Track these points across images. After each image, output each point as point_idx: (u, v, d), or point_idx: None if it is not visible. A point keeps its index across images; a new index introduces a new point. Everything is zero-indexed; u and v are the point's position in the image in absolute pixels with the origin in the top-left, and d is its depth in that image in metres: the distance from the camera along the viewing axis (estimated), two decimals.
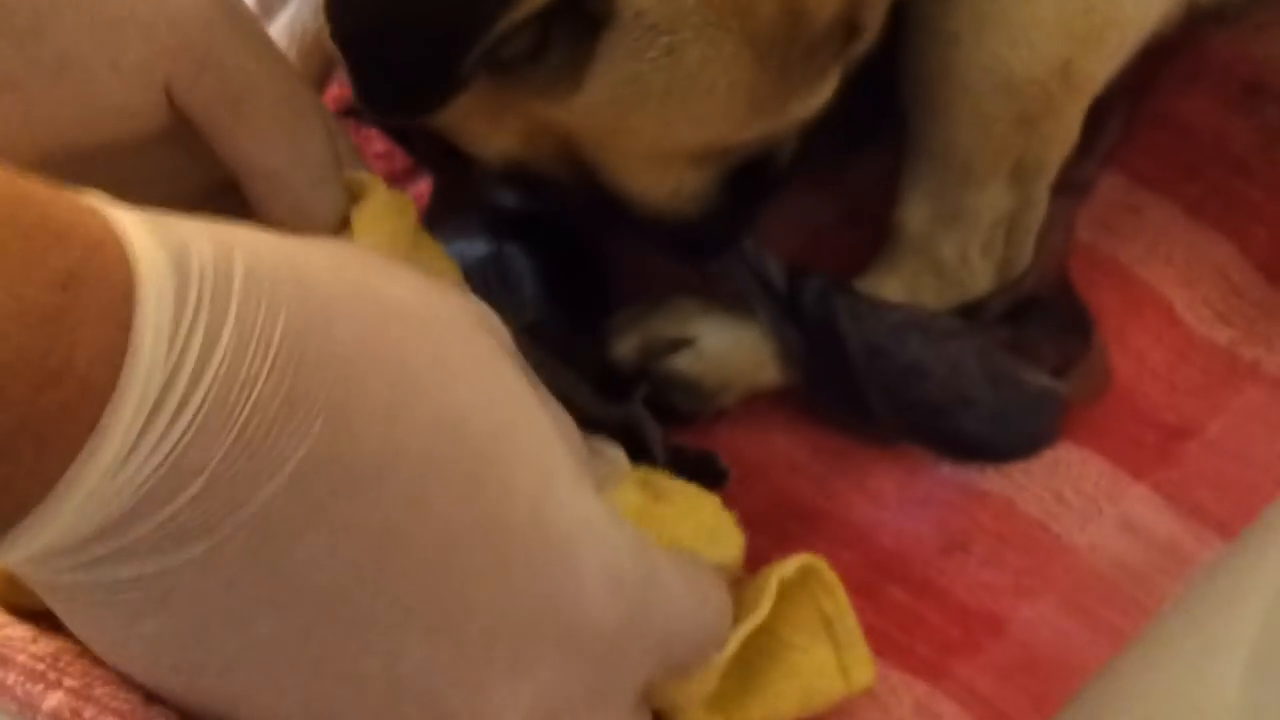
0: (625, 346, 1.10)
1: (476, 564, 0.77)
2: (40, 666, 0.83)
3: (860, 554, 1.06)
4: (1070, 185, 1.15)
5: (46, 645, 0.84)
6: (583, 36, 0.91)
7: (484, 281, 1.08)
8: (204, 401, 0.69)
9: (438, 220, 1.16)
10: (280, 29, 1.13)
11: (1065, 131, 1.11)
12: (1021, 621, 1.04)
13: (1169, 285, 1.17)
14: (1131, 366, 1.14)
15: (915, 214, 1.12)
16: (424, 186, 1.21)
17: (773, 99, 0.96)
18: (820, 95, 0.99)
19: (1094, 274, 1.17)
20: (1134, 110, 1.22)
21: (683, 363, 1.10)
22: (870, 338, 1.08)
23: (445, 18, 0.85)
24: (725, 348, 1.10)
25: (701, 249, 1.09)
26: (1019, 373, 1.08)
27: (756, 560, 1.05)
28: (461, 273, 1.06)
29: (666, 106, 0.93)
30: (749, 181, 1.03)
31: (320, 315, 0.73)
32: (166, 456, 0.68)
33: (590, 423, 1.03)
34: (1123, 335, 1.15)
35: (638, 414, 1.05)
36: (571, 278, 1.11)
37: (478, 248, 1.11)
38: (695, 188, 1.01)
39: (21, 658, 0.83)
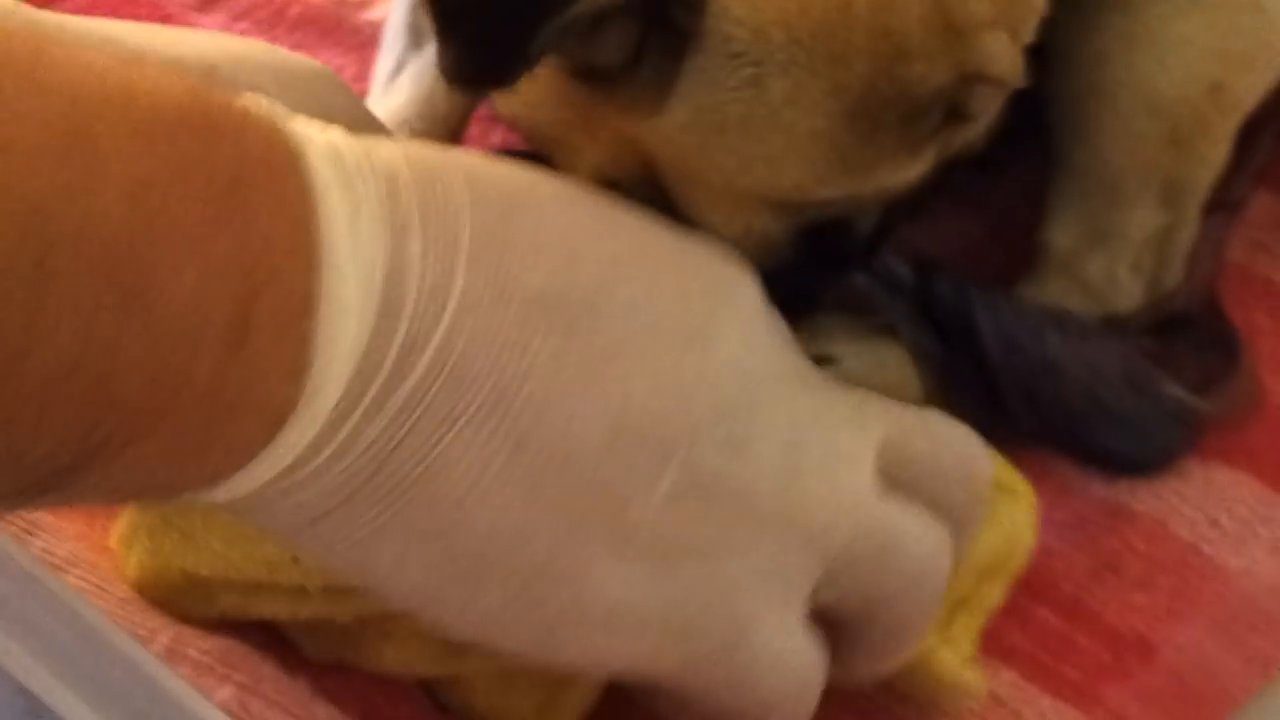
0: None
1: None
2: (209, 660, 0.85)
3: None
4: (1221, 204, 1.13)
5: (217, 642, 0.86)
6: (673, 54, 0.90)
7: None
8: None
9: None
10: (431, 54, 1.14)
11: (1216, 151, 1.09)
12: (1172, 647, 1.03)
13: None
14: None
15: (1063, 233, 1.11)
16: None
17: (857, 159, 0.92)
18: (911, 170, 0.95)
19: (1246, 294, 1.15)
20: None
21: None
22: (1006, 331, 1.06)
23: (528, 8, 0.84)
24: (868, 367, 1.09)
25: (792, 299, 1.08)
26: (1158, 383, 1.06)
27: None
28: None
29: (744, 141, 0.91)
30: (825, 244, 0.99)
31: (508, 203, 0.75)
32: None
33: None
34: (1276, 357, 1.13)
35: None
36: None
37: None
38: (767, 235, 0.98)
39: (192, 652, 0.86)
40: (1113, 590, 1.05)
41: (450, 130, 1.16)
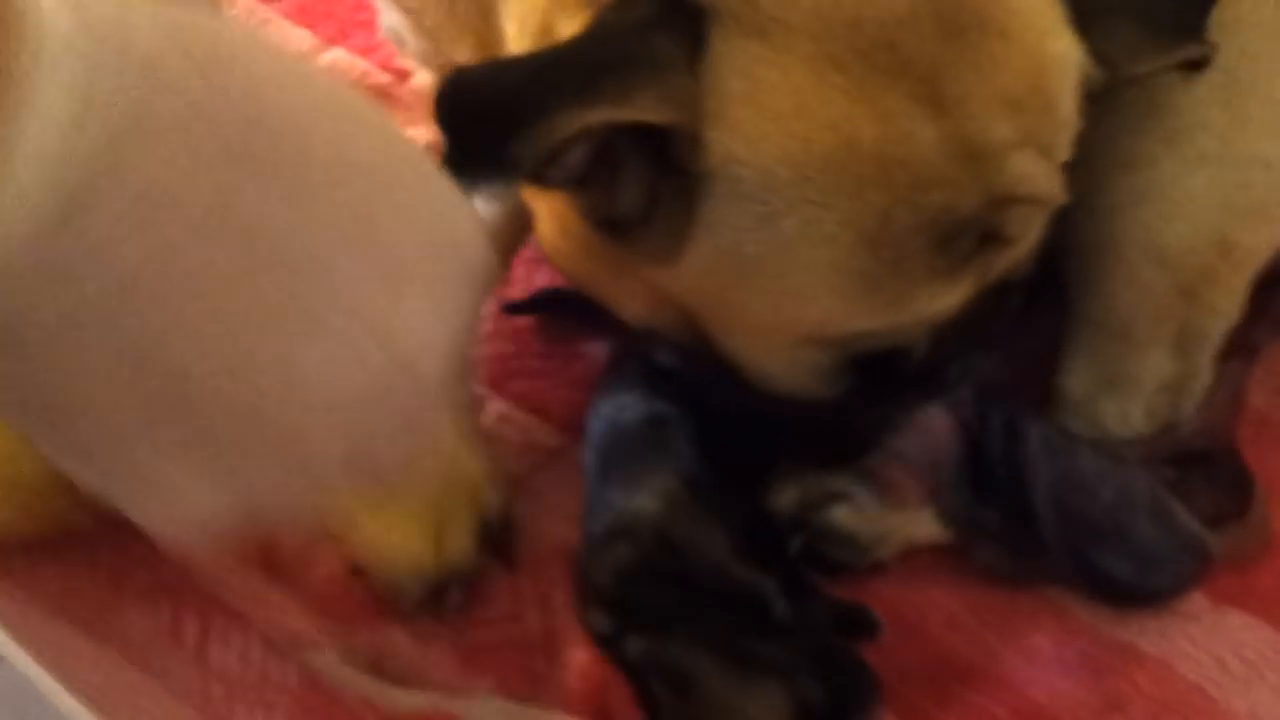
0: (785, 498, 1.13)
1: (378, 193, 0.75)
2: None
3: (1015, 711, 1.06)
4: (1240, 349, 1.15)
5: None
6: (685, 201, 0.92)
7: (644, 433, 1.13)
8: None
9: (608, 377, 1.21)
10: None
11: (1228, 302, 1.11)
12: None
13: None
14: None
15: (1077, 380, 1.13)
16: (599, 346, 1.27)
17: (888, 288, 0.93)
18: (950, 296, 0.95)
19: (1265, 439, 1.16)
20: None
21: (839, 516, 1.12)
22: (1051, 445, 1.08)
23: (513, 110, 0.87)
24: (883, 504, 1.12)
25: (836, 448, 1.09)
26: (1176, 514, 1.08)
27: (912, 713, 1.07)
28: (618, 430, 1.14)
29: (764, 279, 0.93)
30: (878, 377, 1.00)
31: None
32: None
33: (726, 585, 1.08)
34: None
35: (762, 583, 1.07)
36: (728, 432, 1.15)
37: (636, 405, 1.15)
38: (815, 366, 0.99)
39: None
40: None
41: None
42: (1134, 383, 1.10)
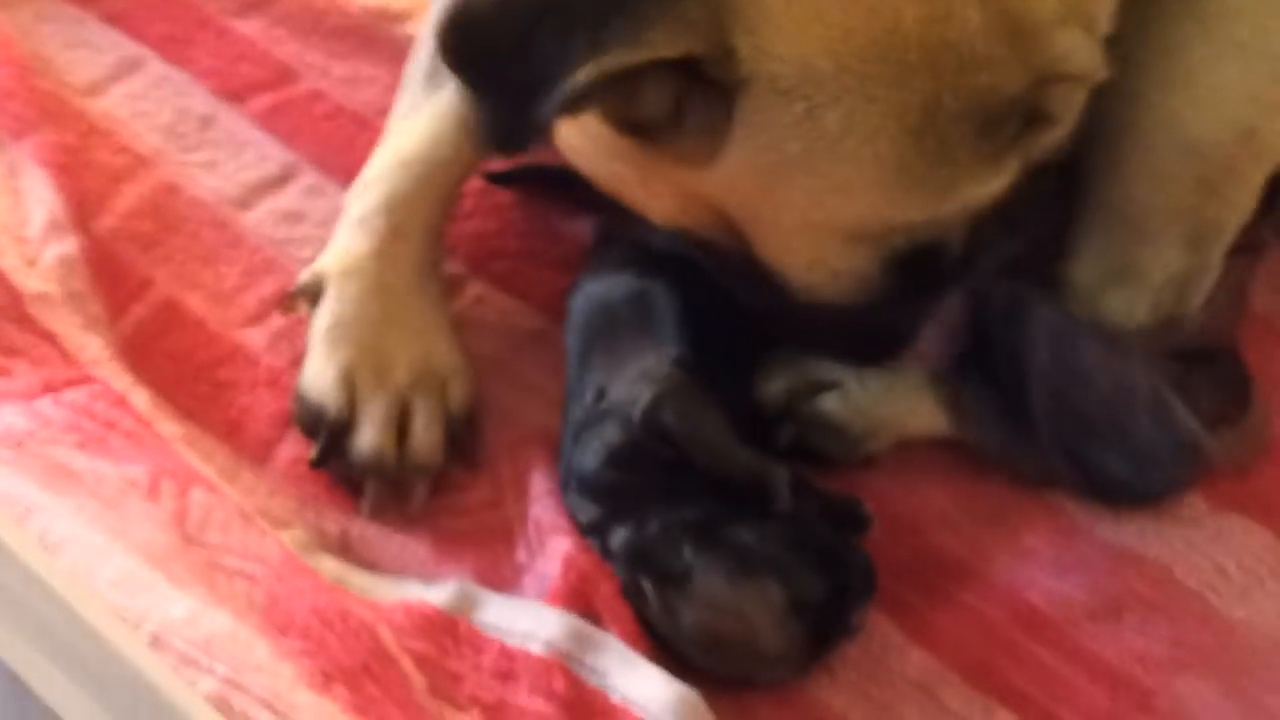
0: (774, 387, 1.09)
1: None
2: (194, 652, 0.85)
3: (1009, 613, 1.03)
4: (1244, 248, 1.12)
5: (200, 629, 0.85)
6: (718, 103, 0.89)
7: (631, 312, 1.09)
8: None
9: (593, 258, 1.17)
10: (445, 100, 1.14)
11: (1245, 197, 1.08)
12: (1172, 696, 1.01)
13: None
14: None
15: (1085, 268, 1.09)
16: (582, 226, 1.22)
17: (932, 178, 0.90)
18: (995, 183, 0.93)
19: (1266, 343, 1.14)
20: None
21: (829, 406, 1.08)
22: (1055, 330, 1.05)
23: (534, 63, 0.85)
24: (874, 392, 1.08)
25: (872, 348, 1.06)
26: (1175, 411, 1.05)
27: (902, 611, 1.05)
28: (604, 309, 1.10)
29: (808, 177, 0.90)
30: (918, 272, 0.97)
31: None
32: None
33: (726, 469, 1.04)
34: None
35: (767, 466, 1.03)
36: (717, 318, 1.11)
37: (624, 283, 1.11)
38: (854, 270, 0.96)
39: (177, 642, 0.85)
40: (1113, 634, 1.03)
41: (454, 177, 1.15)
42: (1142, 274, 1.07)
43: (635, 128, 0.91)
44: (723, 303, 1.07)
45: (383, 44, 1.32)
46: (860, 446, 1.09)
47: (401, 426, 1.09)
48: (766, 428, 1.08)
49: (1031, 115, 0.90)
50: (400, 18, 1.33)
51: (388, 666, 0.93)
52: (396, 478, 1.08)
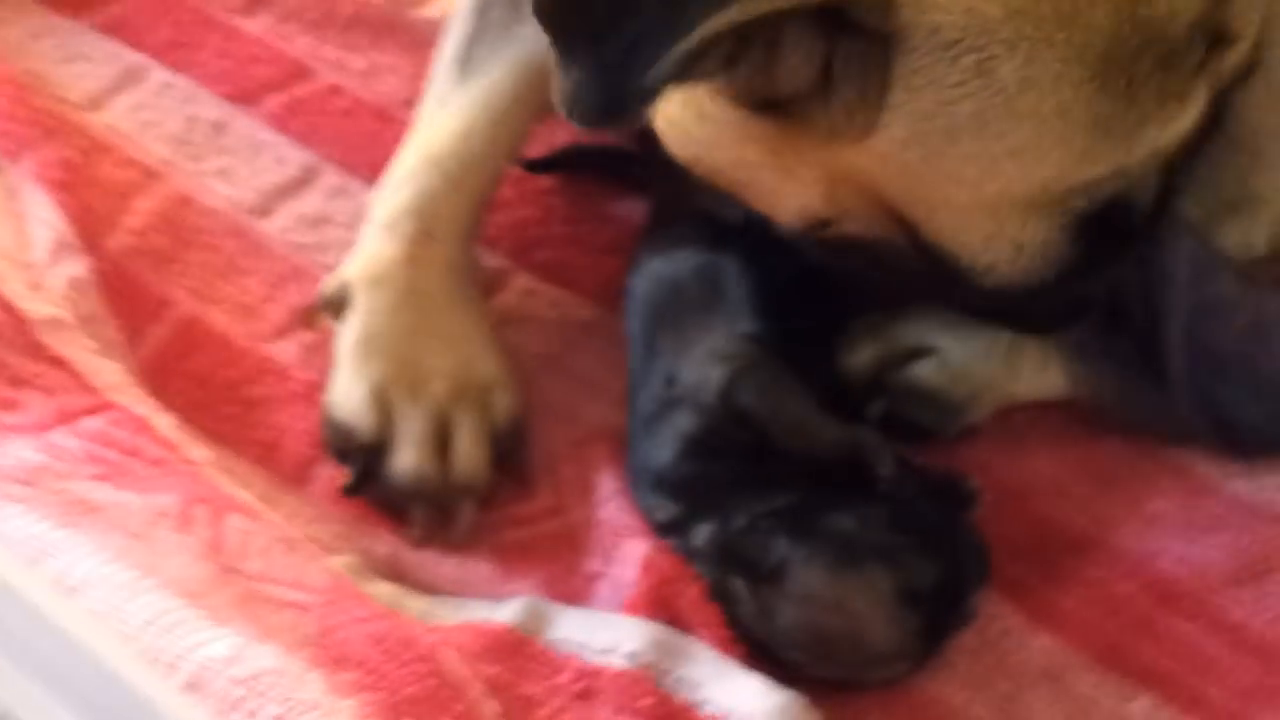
0: (860, 357, 1.00)
1: None
2: (239, 693, 0.76)
3: (1140, 585, 0.94)
4: None
5: (245, 667, 0.77)
6: (873, 63, 0.79)
7: (699, 288, 1.00)
8: None
9: (653, 234, 1.09)
10: (479, 90, 1.06)
11: None
12: None
13: None
14: None
15: (1197, 199, 0.99)
16: (630, 207, 1.14)
17: (1119, 124, 0.81)
18: (1184, 119, 0.83)
19: None
20: None
21: (924, 373, 0.99)
22: (1195, 257, 0.96)
23: (647, 16, 0.75)
24: (973, 355, 0.99)
25: (1051, 321, 0.95)
26: None
27: (1020, 592, 0.95)
28: (670, 286, 1.01)
29: (983, 141, 0.80)
30: (1105, 232, 0.86)
31: None
32: None
33: (817, 446, 0.95)
34: None
35: (864, 436, 0.95)
36: (794, 289, 1.01)
37: (690, 258, 1.01)
38: (1039, 244, 0.85)
39: (220, 683, 0.76)
40: (1258, 599, 0.93)
41: (488, 174, 1.06)
42: (1260, 202, 0.97)
43: (772, 103, 0.82)
44: (801, 272, 0.97)
45: (401, 31, 1.24)
46: (960, 416, 0.99)
47: (442, 444, 1.00)
48: (855, 403, 0.99)
49: (1214, 37, 0.80)
50: (418, 2, 1.25)
51: (457, 696, 0.83)
52: (441, 500, 0.99)
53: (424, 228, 1.04)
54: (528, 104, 1.07)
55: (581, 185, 1.16)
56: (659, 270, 1.02)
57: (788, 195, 0.88)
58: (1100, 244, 0.85)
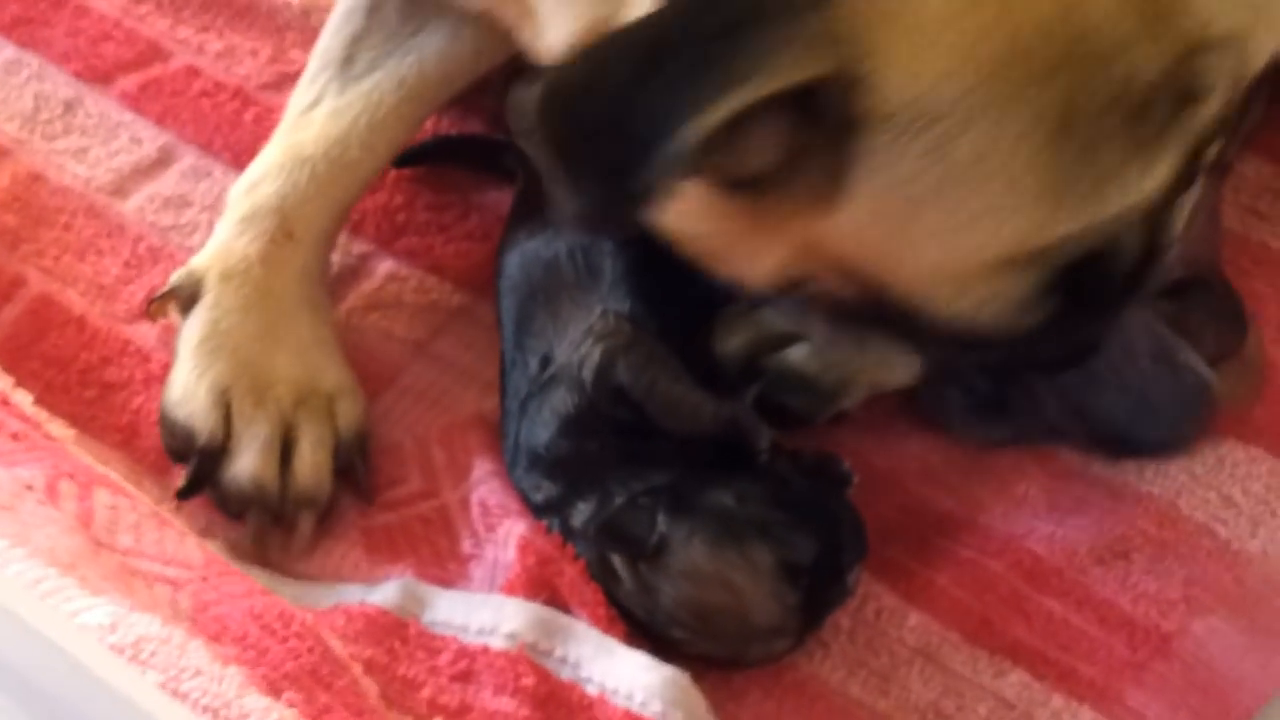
0: (734, 342, 0.99)
1: None
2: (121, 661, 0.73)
3: (1009, 564, 0.95)
4: (1215, 166, 1.05)
5: (126, 634, 0.73)
6: (835, 143, 0.79)
7: (574, 268, 0.99)
8: None
9: (524, 217, 1.08)
10: (359, 94, 1.04)
11: None
12: (1192, 637, 0.93)
13: None
14: None
15: None
16: (496, 195, 1.13)
17: (1082, 184, 0.80)
18: (1156, 175, 0.82)
19: (1245, 262, 1.07)
20: (1276, 92, 1.12)
21: (797, 358, 0.98)
22: None
23: (645, 119, 0.75)
24: (848, 342, 1.00)
25: (1051, 363, 0.95)
26: (1179, 354, 0.98)
27: (894, 573, 0.96)
28: (544, 265, 1.00)
29: (944, 211, 0.80)
30: (1086, 285, 0.85)
31: None
32: None
33: (694, 423, 0.95)
34: (1278, 325, 1.05)
35: (740, 411, 0.95)
36: (669, 271, 1.01)
37: (564, 238, 1.00)
38: (1014, 297, 0.85)
39: (100, 650, 0.72)
40: (1123, 578, 0.95)
41: (358, 181, 1.04)
42: None
43: (741, 183, 0.81)
44: (675, 257, 0.97)
45: (260, 14, 1.20)
46: (833, 402, 0.99)
47: (284, 452, 0.97)
48: (728, 387, 0.99)
49: (1181, 94, 0.80)
50: None
51: (339, 672, 0.81)
52: (280, 510, 0.97)
53: (285, 227, 1.02)
54: (408, 117, 1.06)
55: (447, 173, 1.14)
56: (533, 250, 1.01)
57: (758, 263, 0.88)
58: (1082, 295, 0.84)
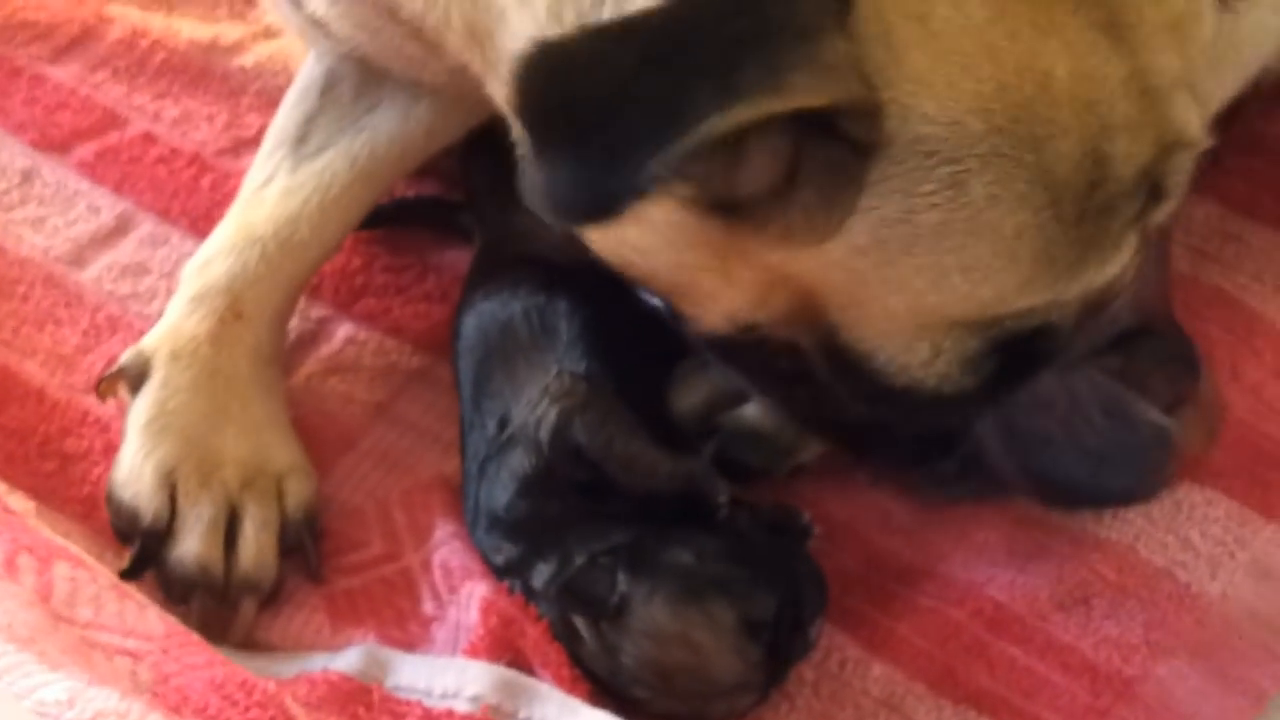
0: (690, 399, 1.00)
1: None
2: None
3: (970, 612, 0.96)
4: None
5: (84, 709, 0.73)
6: (844, 169, 0.78)
7: (529, 329, 0.99)
8: None
9: (481, 278, 1.09)
10: (311, 173, 1.04)
11: None
12: (1154, 682, 0.94)
13: None
14: (1248, 401, 1.04)
15: None
16: (454, 256, 1.13)
17: (1063, 258, 0.81)
18: (1116, 262, 0.84)
19: (1197, 305, 1.08)
20: (1224, 137, 1.14)
21: (753, 414, 0.99)
22: None
23: (645, 111, 0.73)
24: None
25: (936, 444, 0.95)
26: (1131, 405, 0.98)
27: (856, 623, 0.96)
28: (500, 327, 1.00)
29: (939, 253, 0.80)
30: (1024, 354, 0.86)
31: None
32: None
33: (652, 480, 0.95)
34: (1235, 369, 1.06)
35: (698, 467, 0.95)
36: (625, 332, 1.02)
37: (521, 299, 1.01)
38: (959, 356, 0.85)
39: None
40: (1084, 623, 0.96)
41: (309, 261, 1.04)
42: None
43: (726, 205, 0.79)
44: (631, 316, 0.97)
45: (215, 79, 1.21)
46: (790, 455, 1.00)
47: (230, 535, 0.97)
48: (686, 444, 0.99)
49: (1154, 189, 0.82)
50: (234, 50, 1.22)
51: None
52: (224, 593, 0.96)
53: (234, 307, 1.02)
54: (360, 197, 1.06)
55: (404, 234, 1.15)
56: (489, 312, 1.02)
57: (721, 299, 0.86)
58: (1016, 366, 0.85)
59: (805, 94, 0.72)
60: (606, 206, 0.74)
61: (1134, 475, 1.01)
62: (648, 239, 0.84)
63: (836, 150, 0.76)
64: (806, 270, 0.82)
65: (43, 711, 0.71)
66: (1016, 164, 0.77)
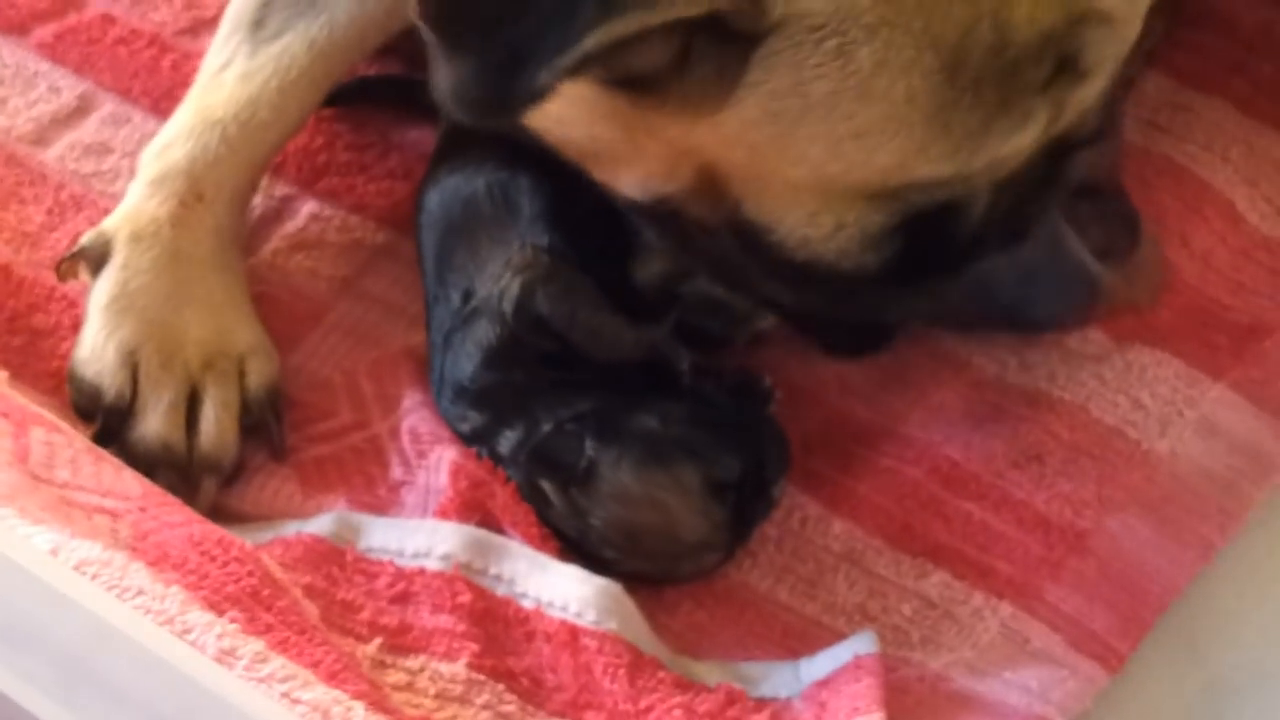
0: (650, 270, 1.01)
1: None
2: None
3: (928, 470, 0.98)
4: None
5: (69, 558, 0.75)
6: (734, 46, 0.80)
7: (493, 204, 1.00)
8: None
9: (445, 155, 1.10)
10: (269, 56, 1.04)
11: None
12: (1105, 535, 0.97)
13: (1228, 183, 1.10)
14: (1197, 267, 1.07)
15: None
16: (416, 134, 1.14)
17: (960, 123, 0.82)
18: (1021, 138, 0.85)
19: (1149, 174, 1.10)
20: (1177, 10, 1.16)
21: (710, 283, 1.00)
22: None
23: (539, 21, 0.76)
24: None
25: (865, 335, 0.99)
26: (1067, 238, 1.00)
27: (817, 483, 0.99)
28: (464, 202, 1.01)
29: (830, 122, 0.82)
30: (931, 236, 0.88)
31: None
32: None
33: (616, 349, 0.97)
34: (1185, 236, 1.08)
35: (660, 335, 0.97)
36: (587, 206, 1.03)
37: (484, 174, 1.01)
38: (864, 230, 0.87)
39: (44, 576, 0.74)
40: (1038, 480, 0.98)
41: (269, 144, 1.05)
42: None
43: (629, 82, 0.82)
44: (592, 191, 0.98)
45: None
46: (750, 323, 1.02)
47: (191, 414, 0.98)
48: (649, 313, 1.01)
49: (1062, 59, 0.83)
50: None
51: (279, 594, 0.83)
52: (186, 471, 0.97)
53: (195, 189, 1.02)
54: (320, 80, 1.06)
55: (367, 113, 1.15)
56: (453, 187, 1.03)
57: (633, 169, 0.89)
58: (924, 248, 0.87)
59: (682, 6, 0.76)
60: (508, 106, 0.79)
61: (1055, 303, 1.00)
62: (563, 110, 0.86)
63: (727, 31, 0.79)
64: (706, 143, 0.85)
65: (29, 562, 0.73)
66: (904, 30, 0.79)
